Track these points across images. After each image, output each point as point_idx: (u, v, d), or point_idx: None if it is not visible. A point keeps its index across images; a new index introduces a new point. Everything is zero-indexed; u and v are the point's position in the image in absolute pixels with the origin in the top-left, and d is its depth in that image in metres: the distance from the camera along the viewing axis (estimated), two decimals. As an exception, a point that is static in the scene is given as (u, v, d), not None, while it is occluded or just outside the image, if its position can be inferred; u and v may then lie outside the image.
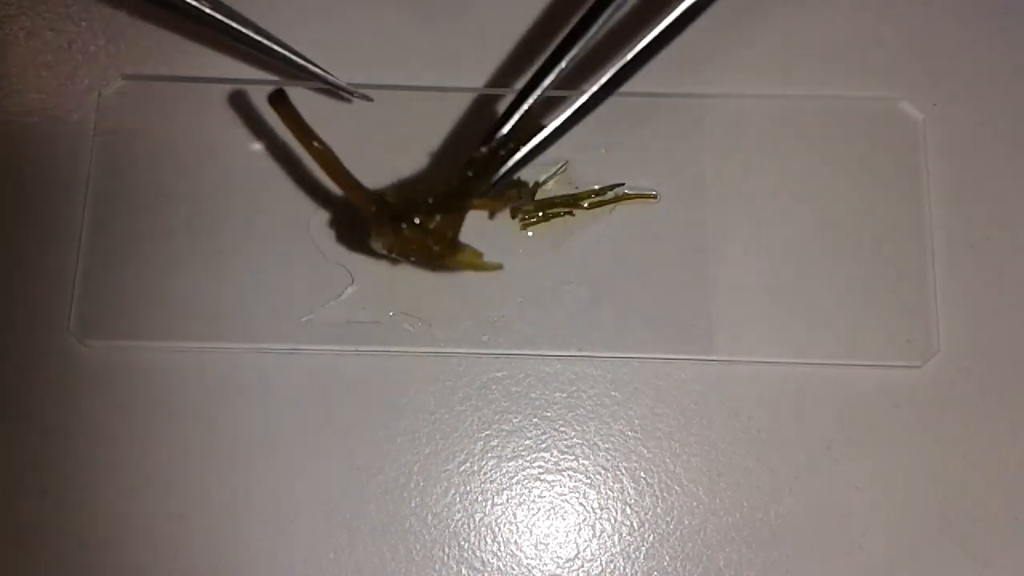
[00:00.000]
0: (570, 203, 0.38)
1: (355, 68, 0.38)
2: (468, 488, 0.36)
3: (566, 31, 0.34)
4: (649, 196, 0.38)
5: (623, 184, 0.38)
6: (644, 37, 0.34)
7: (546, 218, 0.38)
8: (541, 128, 0.33)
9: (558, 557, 0.36)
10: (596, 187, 0.38)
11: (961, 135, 0.39)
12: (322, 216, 0.38)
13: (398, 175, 0.38)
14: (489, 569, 0.36)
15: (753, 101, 0.39)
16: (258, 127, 0.38)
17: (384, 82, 0.39)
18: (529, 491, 0.36)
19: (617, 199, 0.38)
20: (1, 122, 0.39)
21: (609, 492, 0.36)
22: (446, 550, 0.36)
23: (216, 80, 0.39)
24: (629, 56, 0.34)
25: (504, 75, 0.39)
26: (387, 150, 0.38)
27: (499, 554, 0.36)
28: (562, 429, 0.37)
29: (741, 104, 0.39)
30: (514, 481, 0.36)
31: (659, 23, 0.34)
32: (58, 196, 0.38)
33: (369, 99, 0.38)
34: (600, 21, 0.34)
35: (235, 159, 0.38)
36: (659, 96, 0.39)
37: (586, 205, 0.38)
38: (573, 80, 0.34)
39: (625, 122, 0.39)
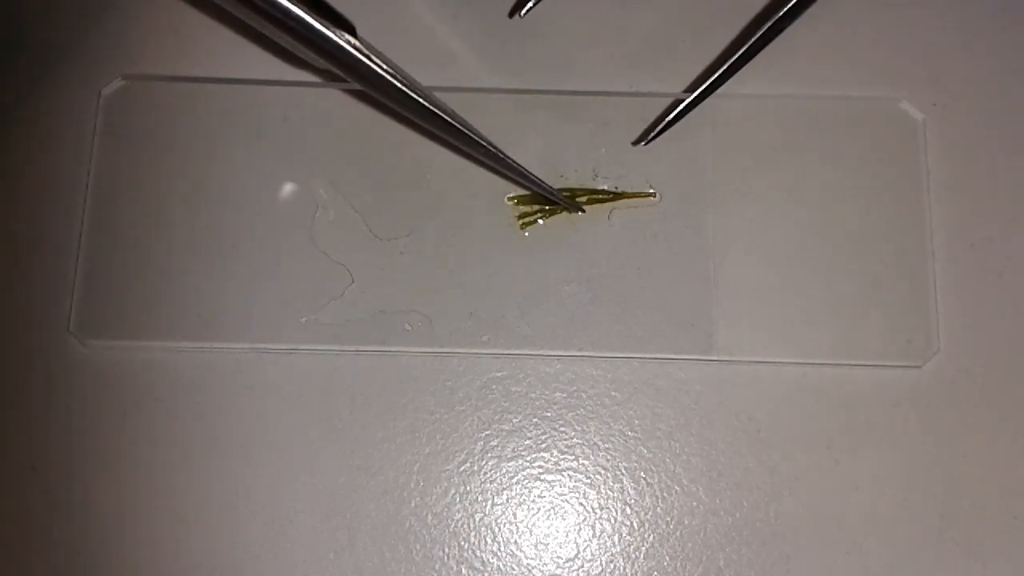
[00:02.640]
0: (569, 203, 0.38)
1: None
2: (468, 488, 0.36)
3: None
4: (649, 195, 0.38)
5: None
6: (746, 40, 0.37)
7: (544, 215, 0.38)
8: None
9: (558, 557, 0.36)
10: (596, 187, 0.38)
11: (961, 135, 0.39)
12: (323, 216, 0.38)
13: (401, 171, 0.38)
14: (489, 569, 0.36)
15: (753, 101, 0.39)
16: (258, 127, 0.38)
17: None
18: (529, 491, 0.36)
19: (616, 198, 0.38)
20: (1, 122, 0.39)
21: (609, 492, 0.36)
22: (446, 550, 0.36)
23: (216, 80, 0.39)
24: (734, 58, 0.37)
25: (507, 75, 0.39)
26: (388, 148, 0.38)
27: (499, 554, 0.36)
28: (562, 429, 0.37)
29: (741, 104, 0.39)
30: (514, 481, 0.36)
31: (759, 26, 0.37)
32: (58, 196, 0.38)
33: (582, 210, 0.38)
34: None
35: (235, 159, 0.38)
36: (659, 96, 0.39)
37: (585, 200, 0.38)
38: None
39: (624, 122, 0.39)
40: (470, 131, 0.35)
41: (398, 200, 0.38)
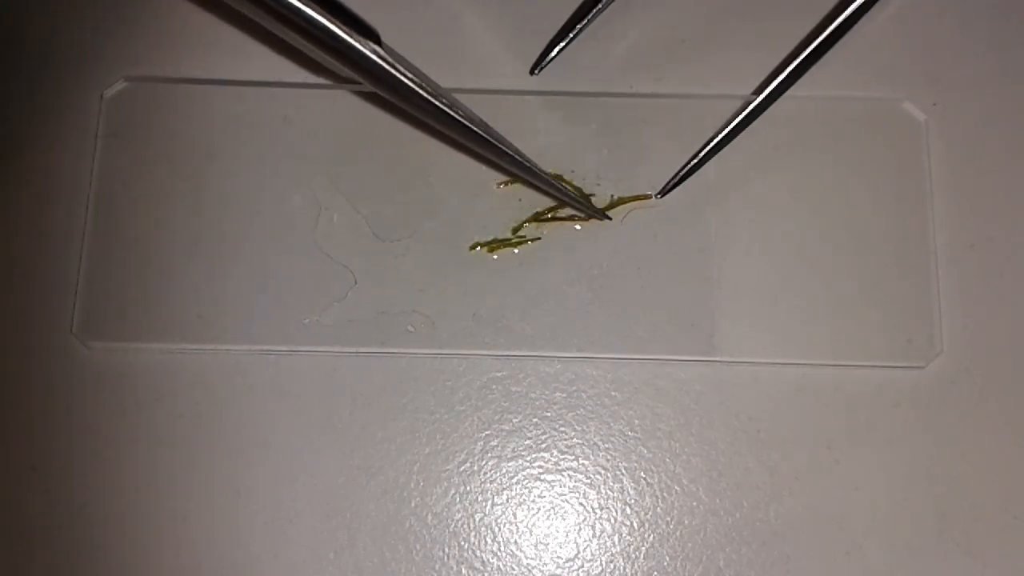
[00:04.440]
0: (597, 211, 0.38)
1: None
2: (468, 488, 0.36)
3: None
4: (645, 197, 0.38)
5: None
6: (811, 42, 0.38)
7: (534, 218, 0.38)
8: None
9: (558, 557, 0.36)
10: (596, 191, 0.38)
11: (963, 135, 0.39)
12: (324, 217, 0.38)
13: (403, 171, 0.38)
14: (489, 569, 0.36)
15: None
16: (260, 128, 0.38)
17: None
18: (529, 491, 0.36)
19: (612, 205, 0.38)
20: (3, 124, 0.39)
21: (609, 492, 0.36)
22: (446, 550, 0.36)
23: (218, 82, 0.39)
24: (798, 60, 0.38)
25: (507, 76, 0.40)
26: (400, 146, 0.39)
27: (499, 554, 0.36)
28: (562, 429, 0.37)
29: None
30: (514, 481, 0.36)
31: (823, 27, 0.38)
32: (60, 198, 0.38)
33: (608, 218, 0.38)
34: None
35: (237, 160, 0.38)
36: (659, 96, 0.39)
37: (583, 215, 0.38)
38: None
39: (625, 122, 0.39)
40: (493, 138, 0.35)
41: (400, 201, 0.38)
